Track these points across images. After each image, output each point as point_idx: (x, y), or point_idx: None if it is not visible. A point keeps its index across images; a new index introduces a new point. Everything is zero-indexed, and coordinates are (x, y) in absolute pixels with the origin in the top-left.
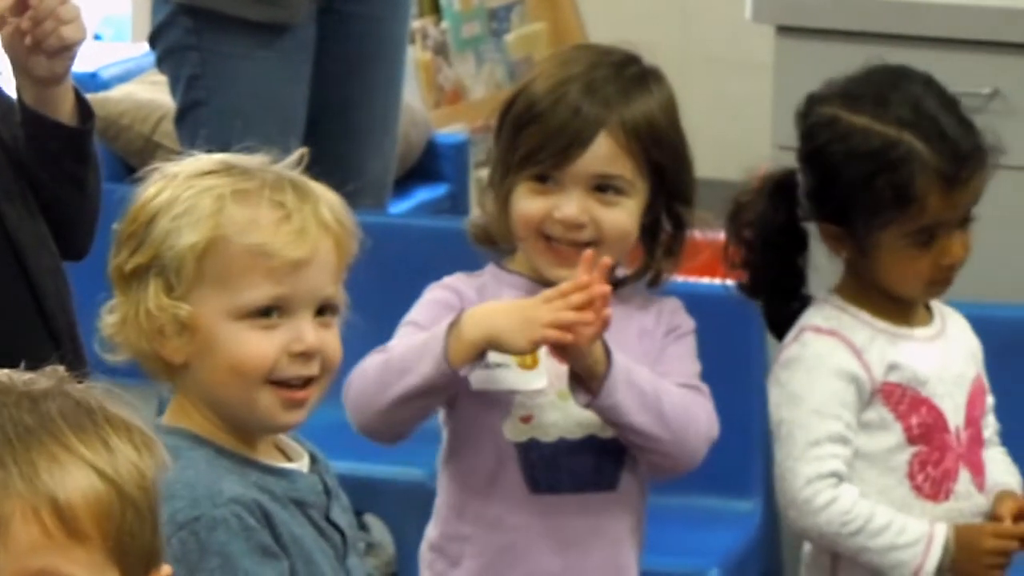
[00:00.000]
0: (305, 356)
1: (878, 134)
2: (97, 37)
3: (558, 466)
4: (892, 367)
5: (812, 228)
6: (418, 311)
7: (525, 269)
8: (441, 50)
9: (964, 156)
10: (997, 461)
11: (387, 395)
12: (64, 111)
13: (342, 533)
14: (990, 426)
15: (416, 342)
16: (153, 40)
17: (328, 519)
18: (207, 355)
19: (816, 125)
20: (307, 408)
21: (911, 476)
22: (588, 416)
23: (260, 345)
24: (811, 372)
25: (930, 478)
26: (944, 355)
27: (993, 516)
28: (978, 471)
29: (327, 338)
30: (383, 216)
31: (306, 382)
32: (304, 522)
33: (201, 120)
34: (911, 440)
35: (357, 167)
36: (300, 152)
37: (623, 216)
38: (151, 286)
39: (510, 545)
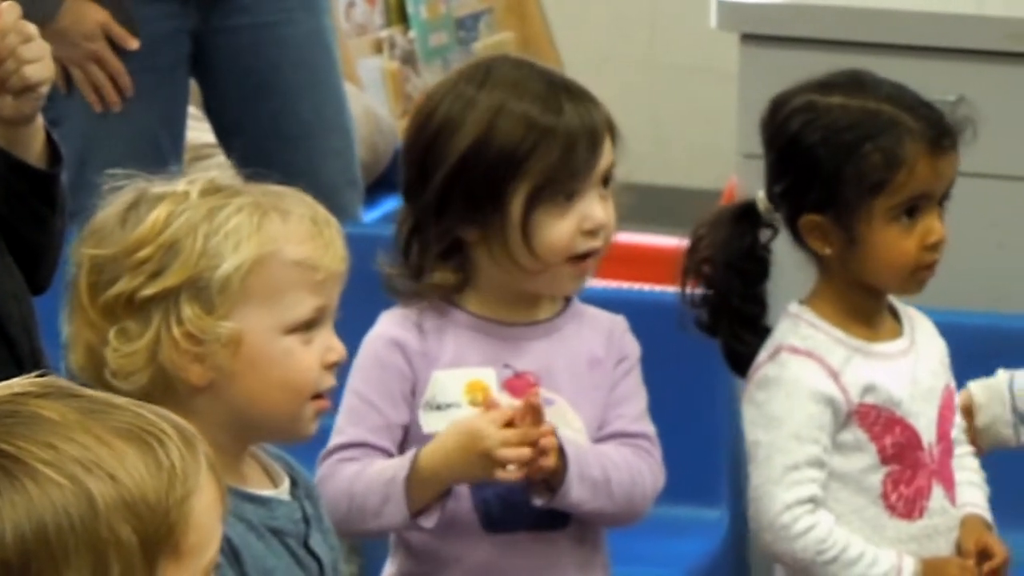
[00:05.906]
0: (335, 366)
1: (856, 107)
2: None
3: (513, 504)
4: (868, 388)
5: (776, 254)
6: (365, 381)
7: (473, 303)
8: (409, 59)
9: (946, 125)
10: (963, 471)
11: (358, 529)
12: (33, 152)
13: (319, 561)
14: (956, 426)
15: (376, 480)
16: None
17: (307, 546)
18: (251, 372)
19: (792, 112)
20: None
21: (885, 496)
22: None
23: (306, 359)
24: (790, 395)
25: (903, 497)
26: (914, 370)
27: (959, 549)
28: (951, 485)
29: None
30: (350, 225)
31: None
32: (281, 551)
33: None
34: (884, 460)
35: (310, 172)
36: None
37: (613, 212)
38: (186, 308)
39: None
